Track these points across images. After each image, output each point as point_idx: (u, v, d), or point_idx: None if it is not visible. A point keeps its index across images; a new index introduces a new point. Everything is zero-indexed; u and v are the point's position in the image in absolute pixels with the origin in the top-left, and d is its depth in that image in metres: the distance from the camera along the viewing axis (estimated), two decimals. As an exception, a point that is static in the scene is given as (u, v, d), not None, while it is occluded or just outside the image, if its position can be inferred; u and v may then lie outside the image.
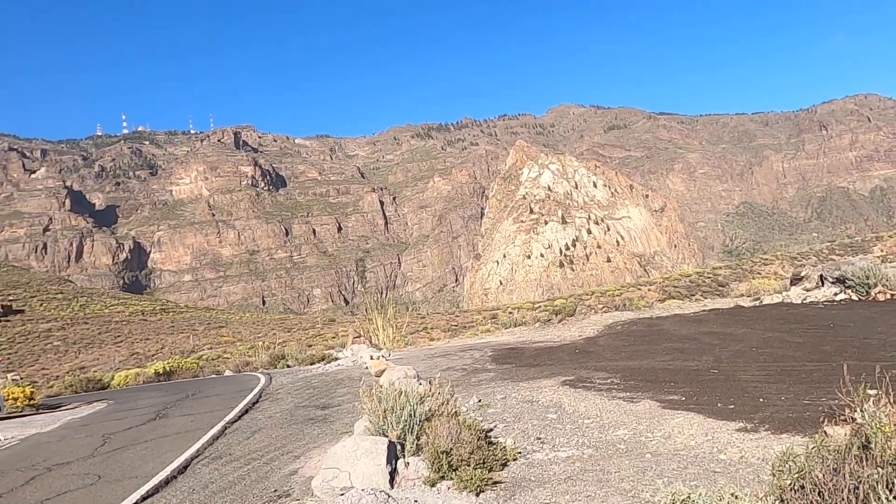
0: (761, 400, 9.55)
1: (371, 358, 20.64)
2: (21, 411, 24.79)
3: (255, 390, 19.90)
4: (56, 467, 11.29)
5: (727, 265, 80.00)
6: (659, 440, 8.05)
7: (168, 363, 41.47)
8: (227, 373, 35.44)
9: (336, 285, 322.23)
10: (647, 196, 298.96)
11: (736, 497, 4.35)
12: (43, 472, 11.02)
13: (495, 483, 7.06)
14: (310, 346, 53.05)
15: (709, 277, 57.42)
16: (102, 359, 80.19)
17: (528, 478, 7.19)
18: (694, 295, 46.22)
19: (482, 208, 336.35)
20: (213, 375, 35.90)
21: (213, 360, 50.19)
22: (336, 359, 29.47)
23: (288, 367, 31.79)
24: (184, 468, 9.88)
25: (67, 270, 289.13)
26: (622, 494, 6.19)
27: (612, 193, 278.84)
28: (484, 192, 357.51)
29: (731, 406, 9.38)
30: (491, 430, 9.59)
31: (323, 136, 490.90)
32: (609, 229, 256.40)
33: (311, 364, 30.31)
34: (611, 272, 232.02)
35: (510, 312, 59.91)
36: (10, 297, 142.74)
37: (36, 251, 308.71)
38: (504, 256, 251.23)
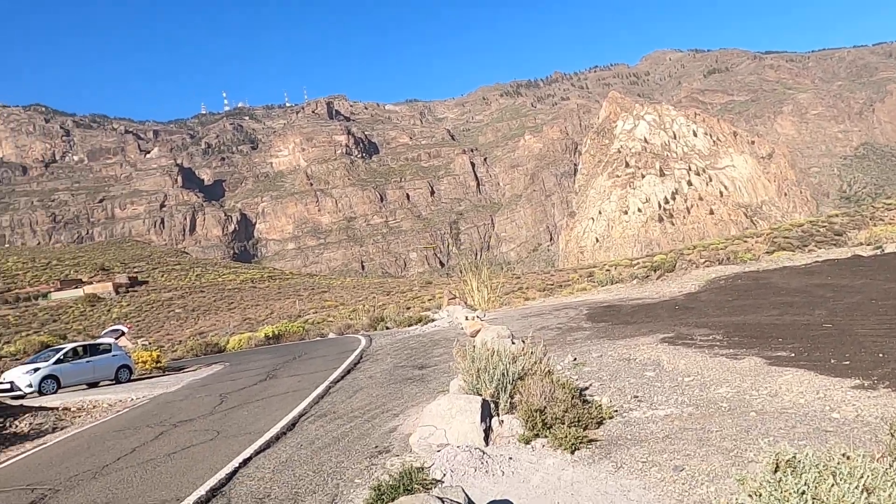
0: (881, 355, 8.88)
1: (466, 319, 20.88)
2: (150, 373, 27.06)
3: (357, 352, 20.70)
4: (181, 424, 12.27)
5: (844, 212, 74.30)
6: (765, 398, 7.69)
7: (276, 327, 43.80)
8: (331, 335, 37.03)
9: (431, 248, 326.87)
10: (752, 142, 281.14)
11: (847, 458, 4.07)
12: (170, 428, 12.03)
13: (590, 441, 7.01)
14: (407, 308, 54.37)
15: (823, 226, 53.55)
16: (218, 324, 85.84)
17: (625, 436, 7.09)
18: (806, 246, 43.30)
19: (575, 164, 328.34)
20: (318, 338, 37.63)
21: (317, 323, 52.53)
22: (432, 320, 30.08)
23: (387, 328, 32.78)
24: (292, 425, 10.47)
25: (183, 243, 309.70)
26: (723, 454, 5.98)
27: (713, 142, 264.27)
28: (577, 148, 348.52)
29: (847, 362, 8.79)
30: (586, 388, 9.51)
31: (412, 100, 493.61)
32: (711, 180, 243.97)
33: (408, 326, 31.10)
34: (714, 225, 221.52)
35: (606, 270, 58.69)
36: (136, 270, 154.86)
37: (155, 226, 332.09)
38: (599, 213, 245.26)
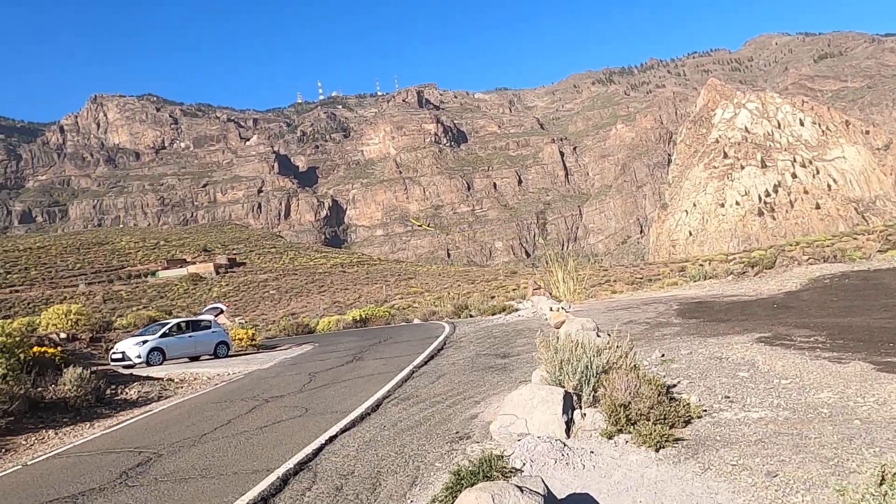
0: None
1: (550, 309, 20.66)
2: (245, 350, 28.45)
3: (440, 338, 20.96)
4: (272, 399, 12.87)
5: (972, 209, 67.78)
6: (871, 406, 7.18)
7: (363, 311, 44.96)
8: (416, 321, 37.64)
9: (517, 238, 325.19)
10: (867, 132, 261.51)
11: (964, 475, 3.75)
12: (262, 402, 12.63)
13: (676, 440, 6.79)
14: (492, 297, 54.43)
15: (947, 224, 49.14)
16: (309, 306, 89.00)
17: (714, 437, 6.83)
18: (926, 245, 39.89)
19: (669, 155, 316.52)
20: (403, 323, 38.34)
21: (403, 309, 53.52)
22: (516, 310, 29.98)
23: (471, 316, 32.96)
24: (376, 406, 10.75)
25: (278, 227, 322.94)
26: (822, 462, 5.64)
27: (822, 132, 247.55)
28: (671, 138, 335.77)
29: (968, 372, 8.07)
30: (674, 385, 9.21)
31: (501, 89, 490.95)
32: (818, 172, 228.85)
33: (492, 314, 31.15)
34: (820, 220, 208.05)
35: (700, 264, 56.40)
36: (235, 252, 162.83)
37: (252, 210, 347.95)
38: (694, 205, 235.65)
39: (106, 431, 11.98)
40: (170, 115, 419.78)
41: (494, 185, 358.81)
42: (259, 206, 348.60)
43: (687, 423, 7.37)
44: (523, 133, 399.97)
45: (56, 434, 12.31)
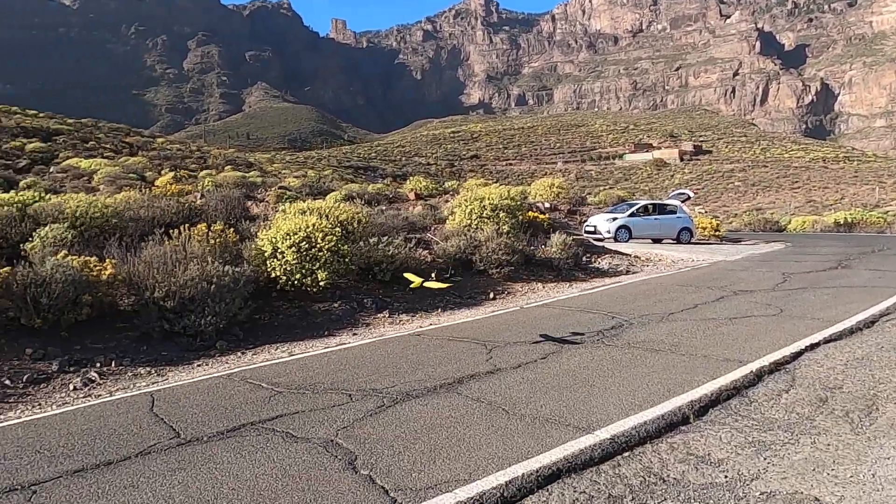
0: None
1: None
2: (707, 240, 27.95)
3: (963, 257, 16.72)
4: (740, 293, 12.36)
5: None
6: None
7: (849, 214, 38.95)
8: (922, 233, 30.84)
9: None
10: None
11: None
12: (730, 294, 12.26)
13: None
14: None
15: None
16: (778, 202, 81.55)
17: None
18: None
19: None
20: (903, 234, 31.87)
21: (903, 217, 44.34)
22: None
23: None
24: (871, 322, 9.31)
25: (752, 114, 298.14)
26: None
27: None
28: None
29: None
30: None
31: None
32: None
33: None
34: None
35: None
36: (701, 139, 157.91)
37: (725, 95, 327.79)
38: None
39: (582, 293, 13.41)
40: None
41: None
42: (732, 91, 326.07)
43: None
44: None
45: (542, 287, 14.37)
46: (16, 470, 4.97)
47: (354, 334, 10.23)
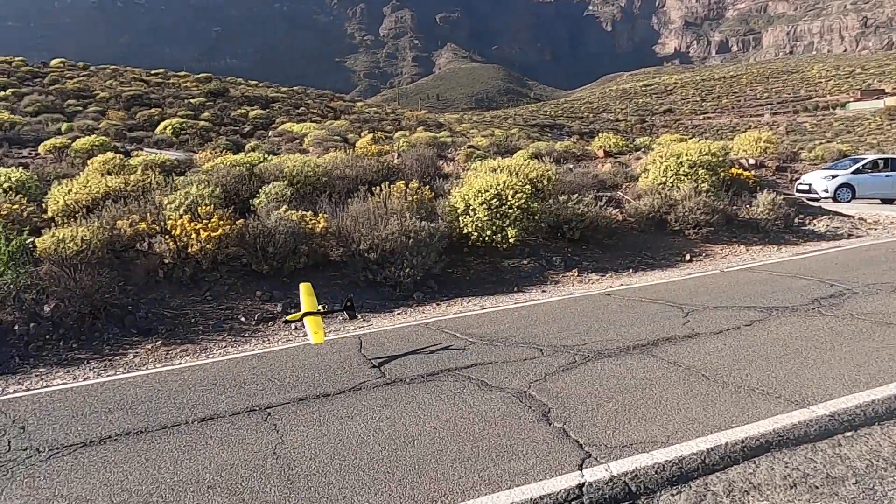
0: None
1: None
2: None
3: None
4: None
5: None
6: None
7: None
8: None
9: None
10: None
11: None
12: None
13: None
14: None
15: None
16: None
17: None
18: None
19: None
20: None
21: None
22: None
23: None
24: None
25: None
26: None
27: None
28: None
29: None
30: None
31: None
32: None
33: None
34: None
35: None
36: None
37: None
38: None
39: (794, 257, 12.18)
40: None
41: None
42: None
43: None
44: None
45: (746, 250, 13.27)
46: (253, 394, 5.77)
47: (543, 291, 10.29)
